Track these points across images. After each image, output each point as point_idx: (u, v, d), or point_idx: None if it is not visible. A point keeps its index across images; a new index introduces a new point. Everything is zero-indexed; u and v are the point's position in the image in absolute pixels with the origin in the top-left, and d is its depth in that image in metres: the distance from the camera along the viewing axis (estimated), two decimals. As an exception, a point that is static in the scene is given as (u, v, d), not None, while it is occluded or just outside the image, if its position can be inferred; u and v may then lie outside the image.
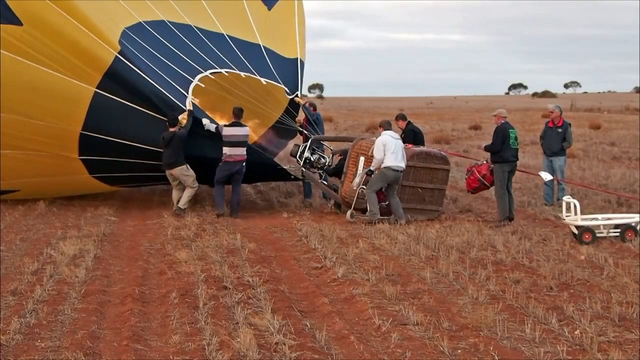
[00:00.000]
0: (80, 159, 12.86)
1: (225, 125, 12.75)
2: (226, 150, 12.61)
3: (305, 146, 13.64)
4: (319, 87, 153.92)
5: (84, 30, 11.89)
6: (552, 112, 14.60)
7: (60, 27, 11.82)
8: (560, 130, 14.23)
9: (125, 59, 12.12)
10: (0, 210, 13.04)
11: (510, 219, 12.20)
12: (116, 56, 12.05)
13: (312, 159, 13.62)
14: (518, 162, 12.73)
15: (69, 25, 11.83)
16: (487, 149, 12.70)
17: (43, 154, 12.77)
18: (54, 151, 12.78)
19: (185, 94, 12.63)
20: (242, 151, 12.68)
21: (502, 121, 12.52)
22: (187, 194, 12.85)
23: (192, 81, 12.88)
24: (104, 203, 14.32)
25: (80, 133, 12.44)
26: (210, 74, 13.29)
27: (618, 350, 6.28)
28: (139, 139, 12.62)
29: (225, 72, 13.56)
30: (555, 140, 14.21)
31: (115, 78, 12.09)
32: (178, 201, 12.95)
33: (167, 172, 12.81)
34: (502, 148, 12.27)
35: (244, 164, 12.73)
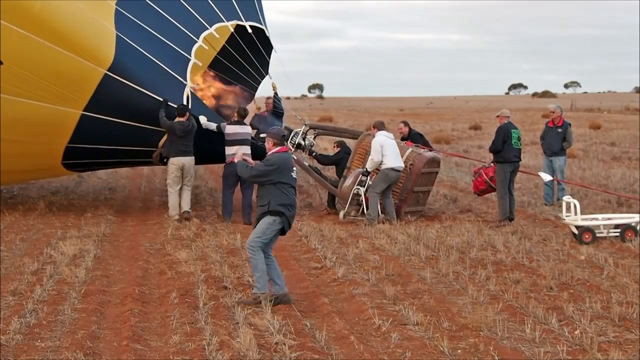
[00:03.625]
0: (63, 164, 12.75)
1: (228, 124, 12.57)
2: (231, 150, 12.29)
3: (298, 133, 13.40)
4: (318, 87, 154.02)
5: (67, 55, 11.38)
6: (553, 112, 14.60)
7: (42, 58, 11.37)
8: (560, 130, 14.23)
9: (116, 74, 11.63)
10: (0, 210, 13.04)
11: (511, 219, 12.20)
12: (105, 74, 11.60)
13: (303, 144, 13.41)
14: (520, 162, 12.68)
15: (50, 53, 11.32)
16: (490, 149, 12.71)
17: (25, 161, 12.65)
18: (38, 162, 12.71)
19: (184, 81, 12.32)
20: (247, 150, 12.34)
21: (505, 121, 12.48)
22: (188, 195, 12.59)
23: (189, 59, 12.54)
24: (104, 203, 14.34)
25: (67, 146, 12.26)
26: (203, 40, 12.90)
27: (618, 350, 6.29)
28: (130, 144, 12.46)
29: (215, 31, 13.12)
30: (556, 140, 14.21)
31: (103, 98, 11.69)
32: (179, 206, 12.56)
33: (178, 163, 12.24)
34: (504, 148, 12.23)
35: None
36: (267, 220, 7.63)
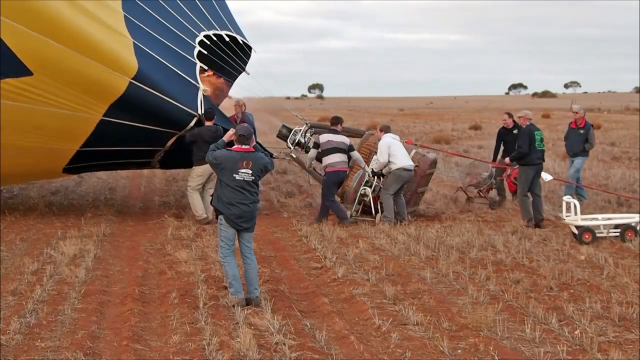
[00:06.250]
0: (65, 168, 12.65)
1: (324, 133, 12.45)
2: (329, 159, 12.10)
3: (297, 131, 13.17)
4: (319, 87, 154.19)
5: (97, 65, 11.34)
6: (576, 113, 14.53)
7: (72, 67, 11.29)
8: (582, 131, 14.13)
9: (140, 82, 11.57)
10: (0, 210, 13.04)
11: (541, 219, 11.85)
12: (130, 82, 11.54)
13: (302, 141, 13.16)
14: (543, 164, 12.37)
15: (80, 62, 11.27)
16: (515, 157, 12.32)
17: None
18: (43, 166, 12.61)
19: (197, 84, 12.24)
20: (343, 157, 12.15)
21: (528, 123, 12.23)
22: (208, 200, 12.51)
23: (195, 63, 12.53)
24: (104, 203, 14.35)
25: (78, 150, 12.14)
26: (200, 44, 12.93)
27: (618, 350, 6.29)
28: (139, 145, 12.37)
29: (213, 34, 13.33)
30: (577, 141, 14.12)
31: (125, 104, 11.63)
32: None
33: (206, 168, 11.82)
34: (530, 150, 12.00)
35: (347, 172, 12.30)
36: (218, 222, 7.69)
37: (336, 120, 12.71)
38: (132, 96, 11.61)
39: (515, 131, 14.14)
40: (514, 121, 14.25)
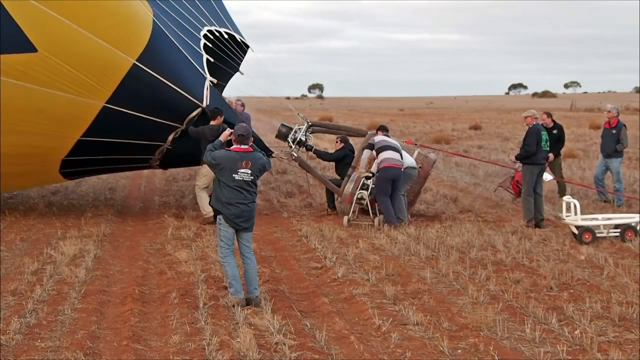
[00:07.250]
0: (63, 160, 12.37)
1: (376, 135, 12.64)
2: (383, 155, 12.09)
3: (298, 131, 13.11)
4: (319, 87, 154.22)
5: (101, 43, 11.14)
6: (608, 112, 14.47)
7: (76, 46, 11.10)
8: (614, 131, 14.09)
9: (144, 64, 11.40)
10: (0, 210, 13.04)
11: (541, 220, 11.90)
12: (134, 64, 11.37)
13: (303, 139, 13.13)
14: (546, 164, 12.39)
15: (85, 41, 11.08)
16: (520, 155, 12.26)
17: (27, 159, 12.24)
18: (41, 160, 12.38)
19: (204, 74, 12.20)
20: (397, 156, 12.13)
21: (534, 122, 12.20)
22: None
23: (202, 54, 12.55)
24: (104, 203, 14.35)
25: (78, 140, 11.93)
26: (204, 37, 13.07)
27: (618, 350, 6.29)
28: (141, 139, 12.25)
29: (215, 30, 13.57)
30: (610, 141, 14.07)
31: (127, 90, 11.46)
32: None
33: (207, 167, 11.93)
34: (536, 150, 11.96)
35: (402, 170, 12.09)
36: (217, 222, 7.70)
37: (385, 128, 12.93)
38: (134, 80, 11.45)
39: (555, 131, 14.02)
40: (553, 120, 14.17)
